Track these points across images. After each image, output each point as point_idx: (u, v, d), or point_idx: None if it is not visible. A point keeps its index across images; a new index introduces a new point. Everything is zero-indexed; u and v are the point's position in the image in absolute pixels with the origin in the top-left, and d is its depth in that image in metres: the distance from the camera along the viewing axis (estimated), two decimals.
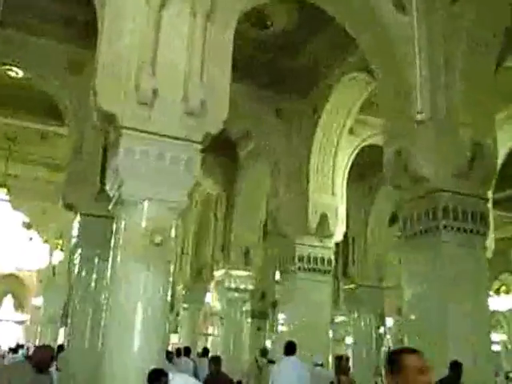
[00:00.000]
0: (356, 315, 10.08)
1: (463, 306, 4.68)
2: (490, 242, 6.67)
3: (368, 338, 10.05)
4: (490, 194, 5.75)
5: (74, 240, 7.06)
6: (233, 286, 9.65)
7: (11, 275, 18.10)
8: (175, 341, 12.24)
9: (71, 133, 6.96)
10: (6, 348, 14.35)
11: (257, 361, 7.66)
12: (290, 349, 5.51)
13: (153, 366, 3.46)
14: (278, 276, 12.01)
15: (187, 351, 8.09)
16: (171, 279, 4.05)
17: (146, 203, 3.85)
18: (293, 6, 6.63)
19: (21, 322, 20.71)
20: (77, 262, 7.01)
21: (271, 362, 7.47)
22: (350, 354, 11.02)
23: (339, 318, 13.94)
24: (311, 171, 7.36)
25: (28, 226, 10.91)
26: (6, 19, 6.33)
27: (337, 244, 7.67)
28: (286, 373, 5.36)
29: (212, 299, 13.52)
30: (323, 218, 7.22)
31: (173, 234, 3.90)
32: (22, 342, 16.39)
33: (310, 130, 7.53)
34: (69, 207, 6.90)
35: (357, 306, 10.07)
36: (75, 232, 6.90)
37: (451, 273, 4.82)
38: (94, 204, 6.49)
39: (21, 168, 10.80)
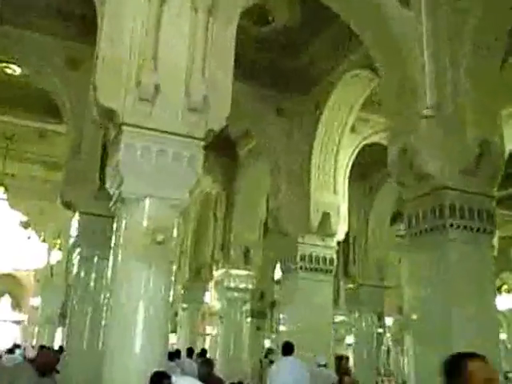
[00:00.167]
0: (357, 315, 10.01)
1: (470, 306, 4.60)
2: (495, 241, 6.60)
3: (369, 338, 9.99)
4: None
5: (72, 239, 6.96)
6: (232, 285, 9.57)
7: (8, 275, 17.97)
8: (174, 341, 12.15)
9: (69, 130, 6.85)
10: (2, 348, 14.22)
11: (261, 361, 7.59)
12: (287, 349, 5.47)
13: (155, 368, 3.39)
14: (276, 276, 12.00)
15: (190, 352, 8.00)
16: (173, 278, 3.97)
17: (147, 201, 3.76)
18: (295, 1, 6.56)
19: (18, 322, 20.59)
20: (76, 261, 6.91)
21: (272, 362, 7.41)
22: (349, 353, 11.00)
23: (339, 318, 13.89)
24: (313, 169, 7.27)
25: (25, 226, 10.81)
26: (4, 15, 6.27)
27: (337, 243, 7.59)
28: (284, 373, 5.30)
29: (211, 299, 13.44)
30: (325, 217, 7.14)
31: (175, 232, 3.82)
32: (19, 342, 16.27)
33: (311, 128, 7.44)
34: (67, 206, 6.79)
35: (358, 305, 10.01)
36: (74, 231, 6.81)
37: (458, 272, 4.74)
38: (93, 202, 6.40)
39: (18, 167, 10.69)
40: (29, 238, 9.88)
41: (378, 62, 5.76)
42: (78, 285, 6.86)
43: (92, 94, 3.85)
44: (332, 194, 7.32)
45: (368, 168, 9.97)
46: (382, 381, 12.75)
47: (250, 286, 9.73)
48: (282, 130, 7.66)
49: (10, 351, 11.14)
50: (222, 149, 9.15)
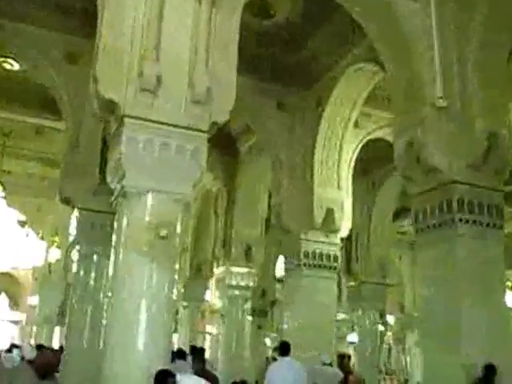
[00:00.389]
0: (360, 313, 9.92)
1: (479, 302, 4.53)
2: None
3: (373, 336, 9.91)
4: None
5: (71, 236, 6.84)
6: (234, 283, 9.45)
7: (5, 273, 17.79)
8: (174, 340, 12.05)
9: (68, 125, 6.72)
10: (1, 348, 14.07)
11: (267, 359, 7.49)
12: (284, 349, 5.42)
13: (159, 366, 3.28)
14: (277, 273, 11.92)
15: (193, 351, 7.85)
16: (177, 276, 3.84)
17: (149, 195, 3.65)
18: None
19: (15, 322, 20.44)
20: (75, 259, 6.80)
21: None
22: (351, 351, 10.93)
23: (341, 316, 13.78)
24: (316, 164, 7.16)
25: (23, 224, 10.66)
26: (1, 8, 6.14)
27: (341, 240, 7.49)
28: (281, 373, 5.24)
29: (212, 297, 13.32)
30: (329, 213, 7.03)
31: (178, 227, 3.70)
32: (17, 341, 16.11)
33: (313, 123, 7.33)
34: (66, 202, 6.67)
35: (360, 303, 9.91)
36: (73, 228, 6.69)
37: (467, 267, 4.68)
38: (93, 198, 6.29)
39: (15, 164, 10.55)
40: (27, 234, 9.73)
41: (384, 54, 5.67)
42: (77, 283, 6.75)
43: (92, 85, 3.73)
44: (336, 189, 7.22)
45: (370, 164, 9.88)
46: (384, 379, 12.69)
47: (252, 284, 9.62)
48: (284, 124, 7.56)
49: (8, 351, 10.97)
50: (222, 145, 9.03)
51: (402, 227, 12.11)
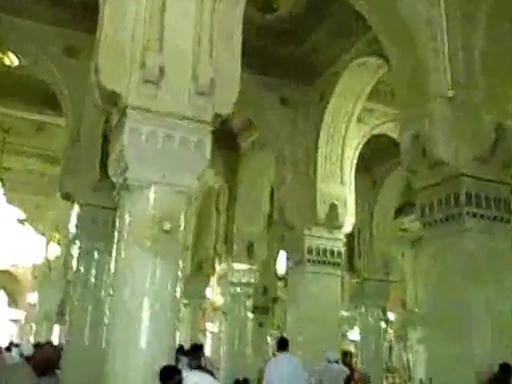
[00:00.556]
0: (363, 310, 9.84)
1: (488, 296, 4.46)
2: None
3: (376, 333, 9.84)
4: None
5: (71, 232, 6.74)
6: (236, 280, 9.37)
7: (4, 271, 17.69)
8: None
9: (68, 120, 6.63)
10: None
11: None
12: (282, 345, 5.39)
13: (163, 364, 3.20)
14: (279, 270, 11.84)
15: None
16: (180, 273, 3.74)
17: (153, 188, 3.56)
18: None
19: (14, 320, 20.35)
20: (75, 255, 6.70)
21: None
22: (352, 349, 10.87)
23: (342, 313, 13.71)
24: (319, 160, 7.09)
25: (22, 221, 10.56)
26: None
27: (344, 235, 7.40)
28: (278, 369, 5.20)
29: (213, 294, 13.23)
30: (332, 208, 6.95)
31: (182, 221, 3.62)
32: (16, 340, 16.02)
33: (317, 118, 7.25)
34: (66, 197, 6.57)
35: (363, 300, 9.84)
36: (73, 224, 6.58)
37: (475, 261, 4.61)
38: (94, 193, 6.19)
39: (14, 160, 10.45)
40: (27, 232, 9.64)
41: (388, 46, 5.59)
42: (77, 279, 6.65)
43: (94, 76, 3.65)
44: (339, 184, 7.15)
45: (372, 160, 9.81)
46: (386, 377, 12.62)
47: (254, 281, 9.54)
48: (286, 119, 7.48)
49: (7, 349, 10.89)
50: (223, 141, 8.94)
51: (404, 224, 12.07)
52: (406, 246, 14.47)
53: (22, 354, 9.75)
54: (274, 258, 11.24)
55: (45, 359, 3.34)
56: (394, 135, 8.30)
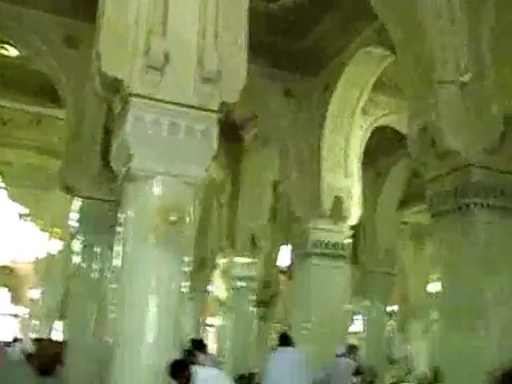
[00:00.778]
0: (367, 303, 9.78)
1: (500, 288, 4.37)
2: None
3: (380, 326, 9.79)
4: None
5: (72, 227, 6.63)
6: (239, 274, 9.29)
7: (5, 267, 17.61)
8: None
9: (68, 111, 6.50)
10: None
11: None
12: (283, 339, 5.36)
13: (170, 359, 3.12)
14: (281, 264, 11.76)
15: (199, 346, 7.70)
16: (187, 269, 3.64)
17: (158, 179, 3.45)
18: None
19: (17, 316, 20.30)
20: (77, 250, 6.60)
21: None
22: (355, 341, 10.81)
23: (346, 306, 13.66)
24: (324, 152, 6.98)
25: (23, 215, 10.46)
26: None
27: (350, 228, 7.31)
28: (278, 364, 5.17)
29: (216, 288, 13.12)
30: (337, 201, 6.86)
31: (189, 213, 3.51)
32: (18, 336, 15.96)
33: (321, 109, 7.14)
34: (67, 190, 6.45)
35: (367, 293, 9.77)
36: (74, 217, 6.47)
37: (485, 253, 4.52)
38: (95, 186, 6.08)
39: (13, 154, 10.32)
40: (27, 227, 9.55)
41: (395, 35, 5.47)
42: (79, 274, 6.55)
43: (95, 63, 3.53)
44: (344, 176, 7.05)
45: (375, 153, 9.71)
46: (390, 369, 12.57)
47: (257, 275, 9.45)
48: (290, 111, 7.37)
49: (7, 345, 10.83)
50: (226, 133, 8.82)
51: (405, 217, 12.03)
52: (406, 238, 14.46)
53: (24, 351, 9.70)
54: (276, 252, 11.16)
55: (47, 357, 3.07)
56: (398, 127, 8.24)
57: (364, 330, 10.05)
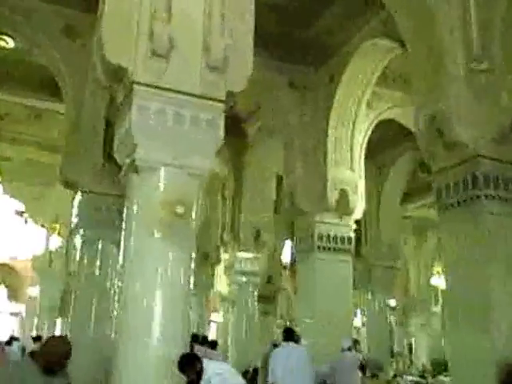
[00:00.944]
0: (369, 297, 9.72)
1: (508, 280, 4.30)
2: None
3: (383, 320, 9.74)
4: None
5: (73, 222, 6.51)
6: (243, 269, 9.19)
7: (3, 264, 17.51)
8: None
9: (68, 103, 6.37)
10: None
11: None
12: (288, 334, 5.33)
13: (177, 356, 3.03)
14: (284, 259, 11.69)
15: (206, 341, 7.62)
16: (193, 261, 3.53)
17: (163, 170, 3.35)
18: None
19: (15, 314, 20.20)
20: (78, 245, 6.48)
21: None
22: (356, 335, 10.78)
23: None
24: (329, 145, 6.88)
25: (21, 213, 10.34)
26: None
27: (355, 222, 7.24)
28: (282, 359, 5.14)
29: (220, 283, 13.04)
30: (343, 194, 6.77)
31: (195, 205, 3.41)
32: (16, 334, 15.83)
33: (326, 101, 7.03)
34: (68, 185, 6.33)
35: (370, 287, 9.72)
36: (75, 212, 6.35)
37: (494, 245, 4.45)
38: (97, 180, 5.95)
39: (11, 149, 10.17)
40: (26, 221, 9.43)
41: (404, 26, 5.38)
42: (81, 271, 6.42)
43: (97, 50, 3.42)
44: (349, 170, 6.96)
45: (378, 147, 9.63)
46: (391, 362, 12.58)
47: (261, 270, 9.36)
48: (295, 103, 7.25)
49: (8, 344, 10.71)
50: (229, 127, 8.68)
51: (407, 211, 11.98)
52: (408, 233, 14.45)
53: (23, 349, 9.58)
54: (279, 247, 11.09)
55: (54, 355, 2.80)
56: (402, 121, 8.16)
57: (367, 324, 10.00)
